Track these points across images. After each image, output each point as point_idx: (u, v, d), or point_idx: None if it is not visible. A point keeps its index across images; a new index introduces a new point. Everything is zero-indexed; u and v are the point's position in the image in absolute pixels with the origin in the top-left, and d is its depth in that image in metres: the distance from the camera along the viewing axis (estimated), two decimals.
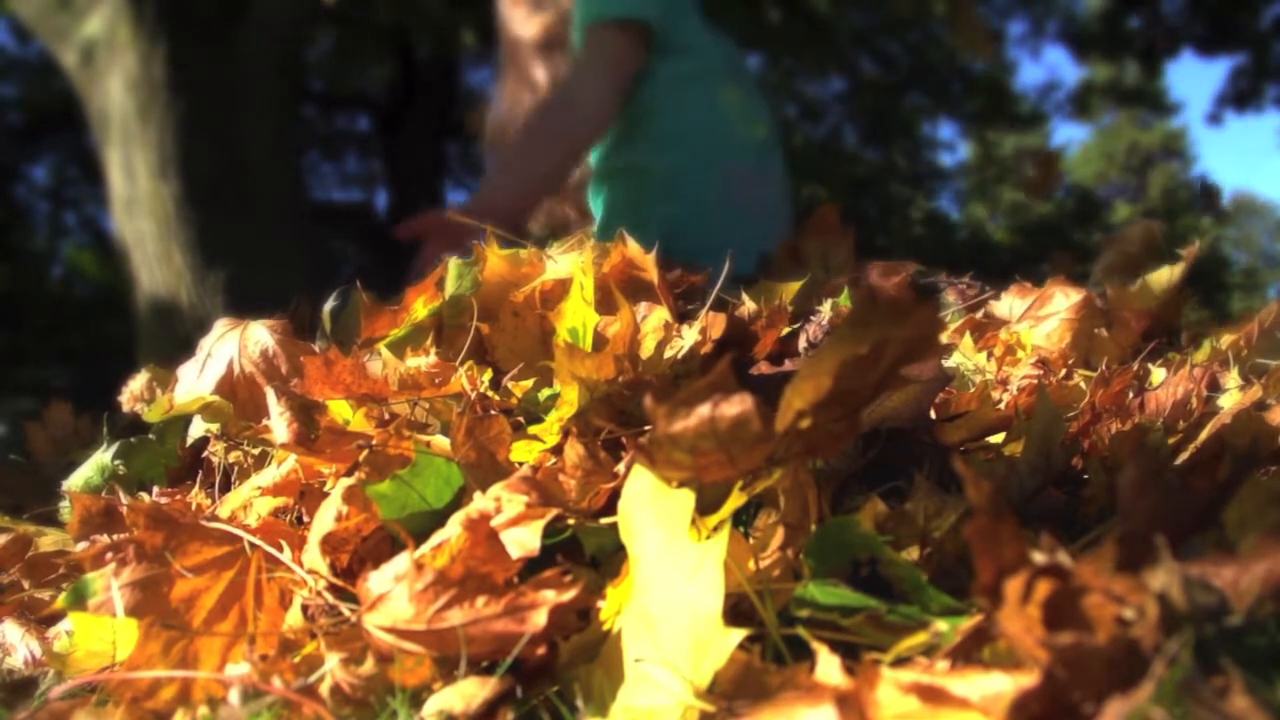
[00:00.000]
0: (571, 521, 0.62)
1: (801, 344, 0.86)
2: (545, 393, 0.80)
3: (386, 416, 0.80)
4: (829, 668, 0.44)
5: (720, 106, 1.80)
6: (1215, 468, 0.49)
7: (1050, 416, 0.68)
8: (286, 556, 0.67)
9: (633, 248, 0.97)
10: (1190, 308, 1.28)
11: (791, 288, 1.05)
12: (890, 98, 9.29)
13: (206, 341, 1.02)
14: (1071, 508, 0.67)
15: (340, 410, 0.80)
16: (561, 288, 0.93)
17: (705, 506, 0.54)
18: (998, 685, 0.38)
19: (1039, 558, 0.39)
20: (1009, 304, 1.20)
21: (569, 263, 0.95)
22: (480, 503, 0.60)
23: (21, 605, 0.83)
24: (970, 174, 12.13)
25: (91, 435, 1.33)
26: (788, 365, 0.81)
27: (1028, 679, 0.38)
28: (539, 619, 0.52)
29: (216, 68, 3.70)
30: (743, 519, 0.63)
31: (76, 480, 1.03)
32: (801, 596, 0.53)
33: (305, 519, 0.75)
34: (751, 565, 0.56)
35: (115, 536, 0.75)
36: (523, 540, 0.58)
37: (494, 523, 0.59)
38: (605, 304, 0.85)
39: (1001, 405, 0.84)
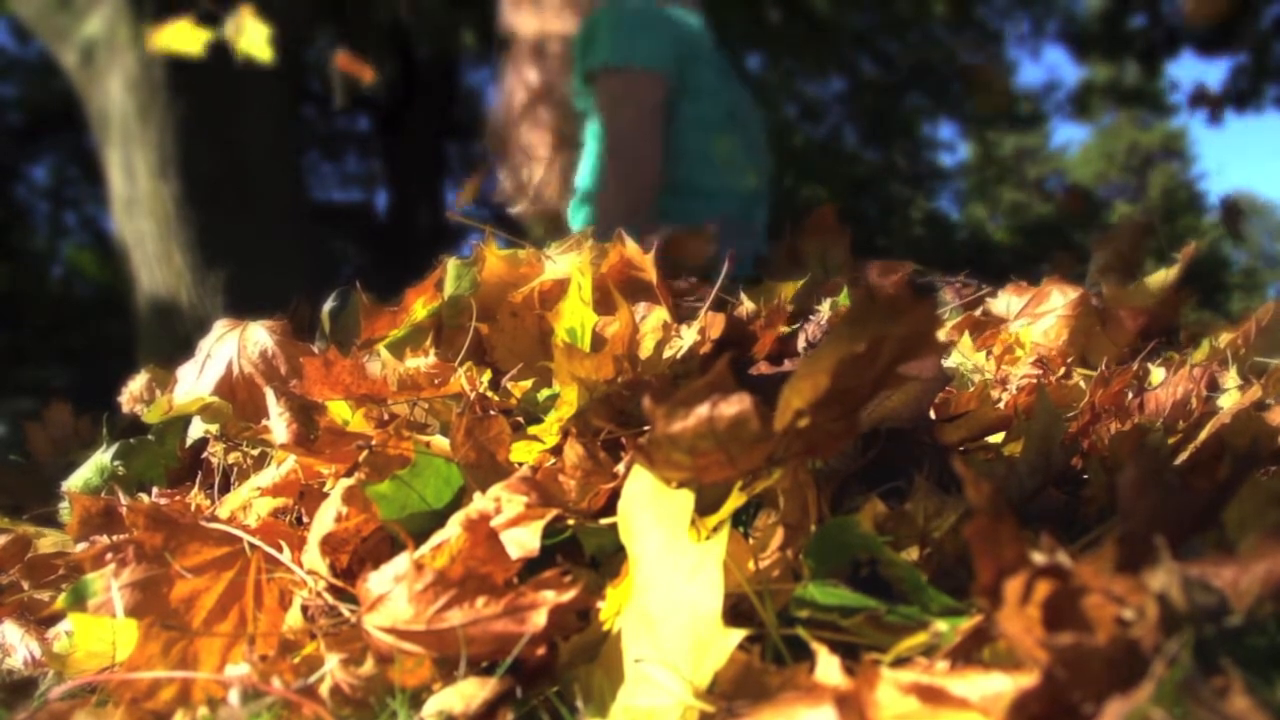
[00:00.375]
0: (571, 522, 0.62)
1: (800, 344, 0.86)
2: (545, 393, 0.80)
3: (386, 417, 0.80)
4: (829, 668, 0.44)
5: (713, 155, 1.80)
6: (1215, 468, 0.49)
7: (1050, 416, 0.68)
8: (286, 557, 0.67)
9: (631, 248, 0.97)
10: (1189, 308, 1.28)
11: (790, 287, 1.05)
12: (890, 98, 9.29)
13: (206, 342, 1.02)
14: (1071, 508, 0.67)
15: (340, 411, 0.80)
16: (560, 288, 0.93)
17: (705, 507, 0.54)
18: (997, 685, 0.38)
19: (1039, 558, 0.39)
20: (1006, 302, 1.20)
21: (567, 263, 0.95)
22: (480, 503, 0.60)
23: (21, 606, 0.83)
24: (970, 174, 12.14)
25: (91, 436, 1.33)
26: (787, 365, 0.81)
27: (1027, 679, 0.38)
28: (539, 619, 0.52)
29: (216, 68, 3.70)
30: (742, 519, 0.63)
31: (76, 481, 1.03)
32: (801, 597, 0.53)
33: (305, 519, 0.75)
34: (751, 565, 0.56)
35: (115, 537, 0.75)
36: (522, 541, 0.58)
37: (494, 523, 0.59)
38: (604, 304, 0.85)
39: (1001, 405, 0.84)
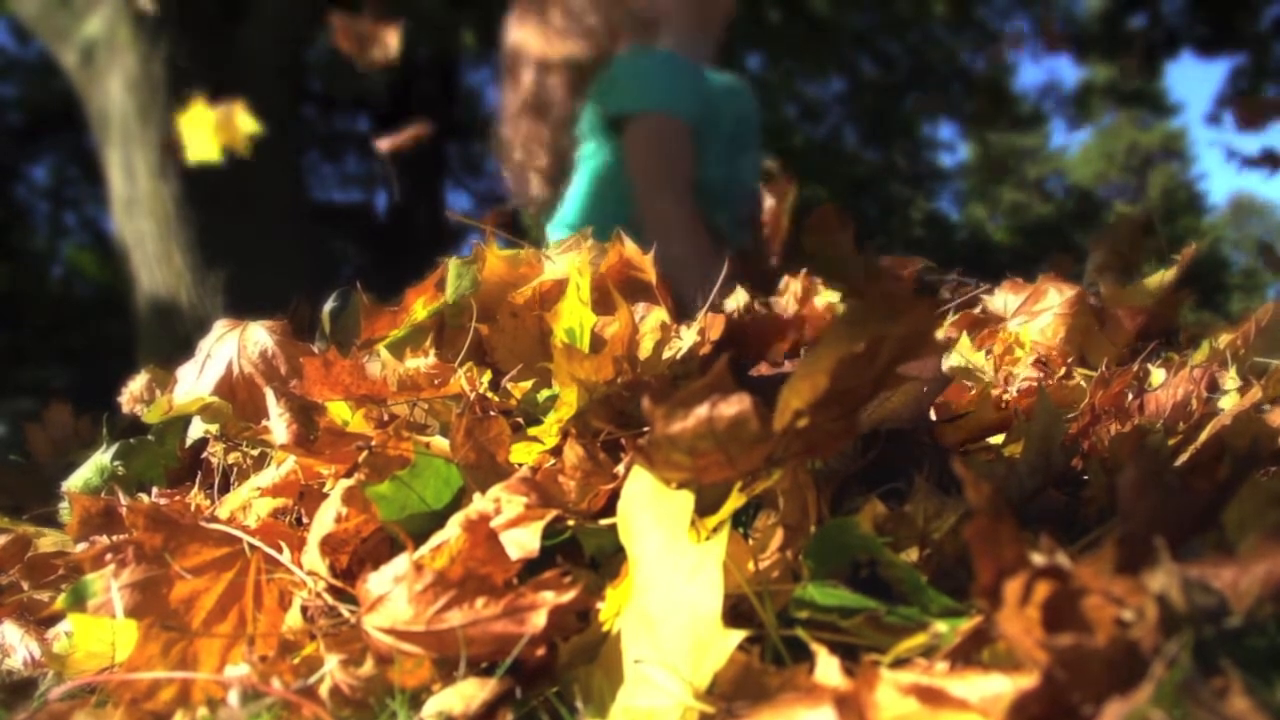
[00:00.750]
0: (571, 523, 0.62)
1: None
2: (544, 394, 0.80)
3: (386, 417, 0.80)
4: (828, 669, 0.44)
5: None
6: (1215, 469, 0.49)
7: (1050, 417, 0.68)
8: (286, 558, 0.67)
9: (630, 248, 0.96)
10: (1189, 308, 1.28)
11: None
12: (890, 98, 9.29)
13: (206, 342, 1.02)
14: (1071, 509, 0.67)
15: (339, 411, 0.80)
16: (560, 288, 0.93)
17: (704, 507, 0.54)
18: (997, 687, 0.38)
19: (1038, 559, 0.39)
20: (1003, 300, 1.20)
21: (567, 263, 0.95)
22: (480, 504, 0.60)
23: (21, 606, 0.83)
24: (970, 175, 12.14)
25: (91, 436, 1.33)
26: (786, 366, 0.81)
27: (1027, 680, 0.38)
28: (538, 620, 0.52)
29: (216, 68, 3.70)
30: (742, 520, 0.63)
31: (76, 481, 1.03)
32: (801, 598, 0.53)
33: (305, 520, 0.75)
34: (751, 566, 0.56)
35: (115, 537, 0.75)
36: (522, 541, 0.58)
37: (493, 524, 0.59)
38: (604, 304, 0.85)
39: (1004, 406, 0.84)
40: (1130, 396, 0.85)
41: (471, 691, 0.51)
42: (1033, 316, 1.15)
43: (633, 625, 0.52)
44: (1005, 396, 0.88)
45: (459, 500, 0.68)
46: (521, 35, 1.81)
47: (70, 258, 9.21)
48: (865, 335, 0.46)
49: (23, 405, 7.30)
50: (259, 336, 0.99)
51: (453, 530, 0.59)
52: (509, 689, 0.52)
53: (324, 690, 0.54)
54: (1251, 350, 1.03)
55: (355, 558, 0.67)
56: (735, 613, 0.52)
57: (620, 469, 0.66)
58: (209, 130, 1.49)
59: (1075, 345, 1.12)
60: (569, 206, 1.78)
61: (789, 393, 0.49)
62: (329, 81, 7.76)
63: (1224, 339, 1.06)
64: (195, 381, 0.99)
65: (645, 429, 0.61)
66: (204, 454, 0.97)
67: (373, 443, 0.71)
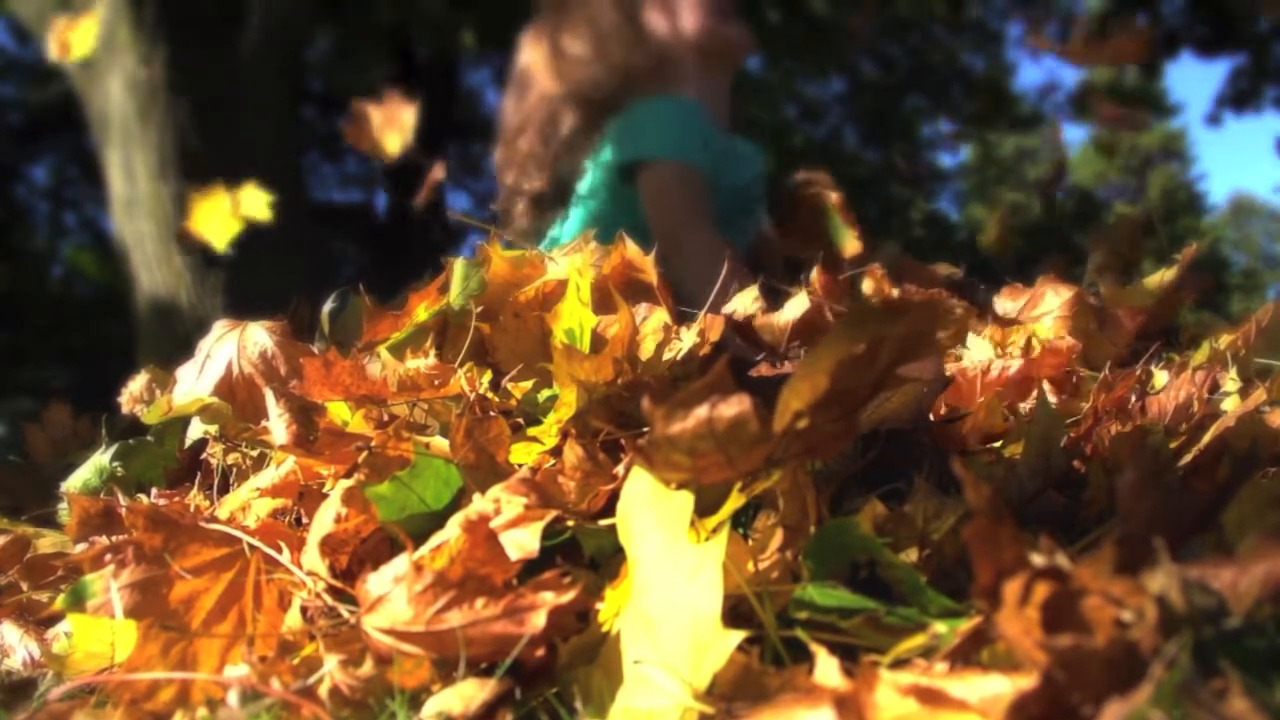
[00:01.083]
0: (570, 523, 0.62)
1: None
2: (544, 394, 0.80)
3: (385, 418, 0.80)
4: (828, 669, 0.44)
5: None
6: (1215, 470, 0.49)
7: (1050, 419, 0.68)
8: (285, 558, 0.67)
9: (632, 249, 0.96)
10: (1188, 309, 1.28)
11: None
12: (890, 99, 9.29)
13: (205, 343, 1.02)
14: (1072, 510, 0.67)
15: (339, 412, 0.80)
16: (563, 289, 0.93)
17: (704, 508, 0.54)
18: (996, 687, 0.38)
19: (1038, 560, 0.39)
20: (1002, 306, 1.20)
21: (570, 264, 0.95)
22: (479, 504, 0.60)
23: (20, 607, 0.83)
24: (970, 175, 12.14)
25: (90, 436, 1.33)
26: (786, 366, 0.81)
27: (1026, 681, 0.38)
28: (538, 621, 0.52)
29: (216, 68, 3.70)
30: (741, 521, 0.63)
31: (75, 482, 1.03)
32: (800, 598, 0.53)
33: (304, 520, 0.75)
34: (750, 567, 0.56)
35: (114, 538, 0.75)
36: (522, 542, 0.58)
37: (493, 524, 0.59)
38: (607, 306, 0.85)
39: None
40: (1133, 398, 0.85)
41: (471, 692, 0.51)
42: (1033, 320, 1.15)
43: (632, 626, 0.52)
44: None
45: (459, 501, 0.68)
46: (534, 57, 1.78)
47: (70, 258, 9.20)
48: (865, 336, 0.46)
49: (22, 405, 7.30)
50: (258, 337, 0.99)
51: (452, 531, 0.59)
52: (508, 689, 0.52)
53: (323, 691, 0.54)
54: (1252, 351, 1.03)
55: (355, 558, 0.67)
56: (735, 613, 0.52)
57: (620, 469, 0.66)
58: (225, 217, 1.49)
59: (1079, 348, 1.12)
60: (559, 246, 1.76)
61: (789, 394, 0.49)
62: (329, 81, 7.76)
63: (1224, 340, 1.06)
64: (194, 382, 0.99)
65: (645, 429, 0.61)
66: (203, 455, 0.97)
67: (372, 443, 0.71)
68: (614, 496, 0.62)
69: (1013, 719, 0.37)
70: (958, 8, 7.66)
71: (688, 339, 0.82)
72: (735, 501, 0.54)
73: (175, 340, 3.30)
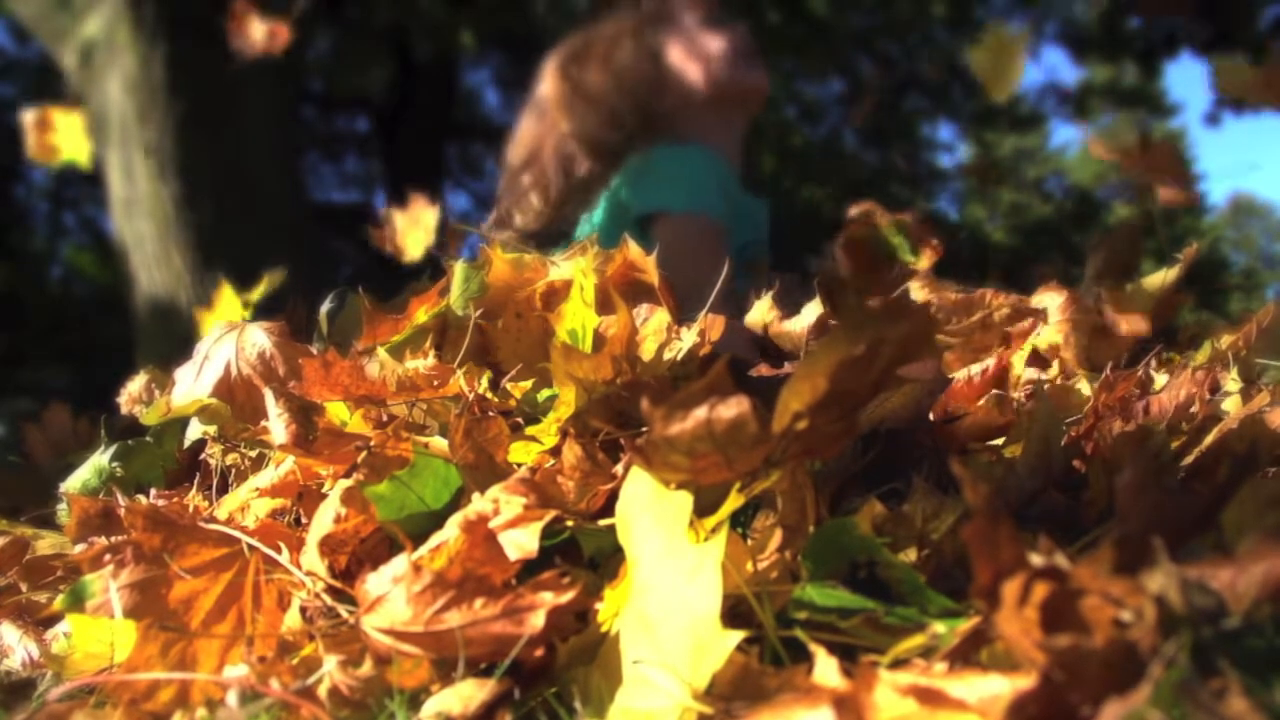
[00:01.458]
0: (570, 523, 0.62)
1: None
2: (544, 394, 0.80)
3: (385, 418, 0.80)
4: (827, 670, 0.44)
5: None
6: (1214, 470, 0.49)
7: (1049, 419, 0.68)
8: (285, 558, 0.67)
9: (634, 250, 0.96)
10: (1188, 309, 1.28)
11: None
12: (890, 99, 9.29)
13: (204, 343, 1.02)
14: (1072, 510, 0.67)
15: (338, 412, 0.80)
16: (565, 289, 0.93)
17: (703, 508, 0.54)
18: (995, 687, 0.38)
19: (1036, 560, 0.39)
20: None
21: (572, 266, 0.95)
22: (478, 504, 0.60)
23: (19, 607, 0.83)
24: (969, 175, 12.12)
25: (90, 437, 1.33)
26: (786, 367, 0.81)
27: (1025, 681, 0.38)
28: (537, 621, 0.52)
29: (216, 68, 3.70)
30: (741, 521, 0.63)
31: (74, 482, 1.03)
32: (799, 598, 0.53)
33: (303, 520, 0.75)
34: (749, 567, 0.56)
35: (113, 538, 0.75)
36: (521, 542, 0.58)
37: (492, 524, 0.59)
38: (610, 307, 0.85)
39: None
40: (1134, 399, 0.85)
41: (470, 692, 0.51)
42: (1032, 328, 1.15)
43: (631, 626, 0.52)
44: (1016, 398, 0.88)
45: (458, 501, 0.68)
46: (552, 92, 1.74)
47: (70, 258, 9.20)
48: (864, 338, 0.46)
49: (22, 406, 7.29)
50: (257, 338, 0.99)
51: (451, 531, 0.59)
52: (507, 690, 0.52)
53: (322, 691, 0.54)
54: (1253, 352, 1.03)
55: (354, 558, 0.67)
56: (734, 613, 0.52)
57: (619, 469, 0.66)
58: (234, 305, 1.52)
59: (1080, 349, 1.12)
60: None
61: (788, 394, 0.49)
62: (329, 81, 7.76)
63: (1225, 340, 1.06)
64: (193, 383, 0.99)
65: (644, 429, 0.61)
66: (202, 455, 0.97)
67: (371, 443, 0.71)
68: (613, 496, 0.62)
69: (1011, 719, 0.37)
70: (961, 8, 7.65)
71: (687, 339, 0.82)
72: (734, 502, 0.54)
73: (174, 341, 3.30)
